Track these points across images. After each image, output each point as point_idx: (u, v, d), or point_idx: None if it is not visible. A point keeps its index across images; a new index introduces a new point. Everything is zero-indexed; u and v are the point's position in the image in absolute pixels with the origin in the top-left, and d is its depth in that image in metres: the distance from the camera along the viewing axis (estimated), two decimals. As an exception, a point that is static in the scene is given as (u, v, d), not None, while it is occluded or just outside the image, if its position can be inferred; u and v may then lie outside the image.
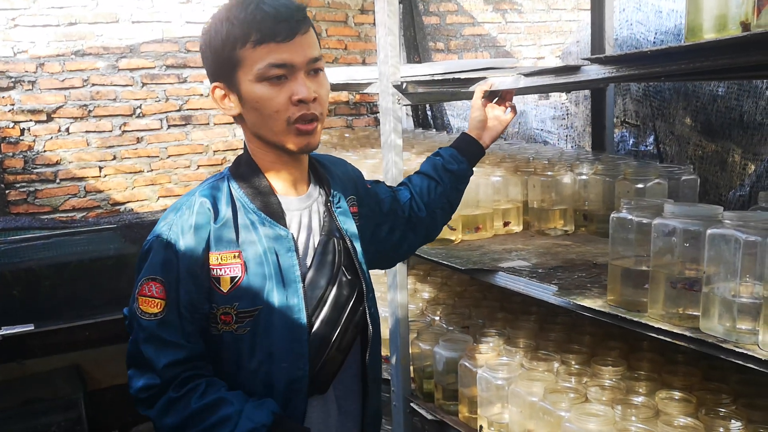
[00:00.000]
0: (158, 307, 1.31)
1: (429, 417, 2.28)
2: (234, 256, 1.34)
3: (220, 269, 1.33)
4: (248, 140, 1.43)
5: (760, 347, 1.20)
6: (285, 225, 1.39)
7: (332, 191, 1.49)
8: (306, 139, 1.35)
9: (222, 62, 1.33)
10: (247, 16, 1.28)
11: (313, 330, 1.38)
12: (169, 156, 4.10)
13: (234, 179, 1.41)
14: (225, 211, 1.36)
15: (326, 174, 1.52)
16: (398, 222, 1.73)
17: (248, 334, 1.34)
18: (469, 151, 1.84)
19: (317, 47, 1.36)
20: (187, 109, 4.10)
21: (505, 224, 2.44)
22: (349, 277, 1.44)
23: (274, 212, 1.39)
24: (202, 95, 4.10)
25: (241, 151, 1.47)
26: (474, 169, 1.87)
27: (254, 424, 1.27)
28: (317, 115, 1.35)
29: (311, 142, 1.37)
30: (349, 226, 1.50)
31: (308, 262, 1.42)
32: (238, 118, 1.40)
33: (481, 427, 2.01)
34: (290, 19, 1.29)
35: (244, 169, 1.42)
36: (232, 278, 1.33)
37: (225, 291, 1.33)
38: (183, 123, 4.10)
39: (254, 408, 1.30)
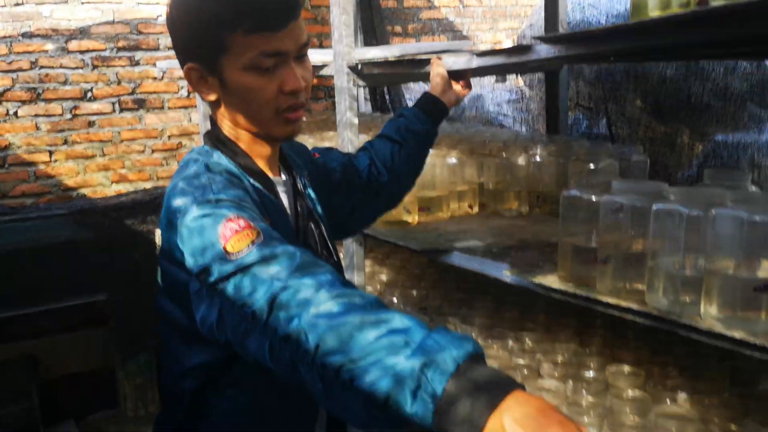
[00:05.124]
0: (252, 234, 1.05)
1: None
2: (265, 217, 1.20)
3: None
4: (223, 123, 1.32)
5: (702, 318, 1.24)
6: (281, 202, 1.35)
7: (298, 174, 1.44)
8: (292, 127, 1.30)
9: (203, 44, 1.20)
10: None
11: None
12: (123, 140, 4.01)
13: (222, 153, 1.29)
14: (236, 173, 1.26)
15: (287, 156, 1.46)
16: (354, 188, 1.66)
17: None
18: (432, 110, 1.78)
19: (305, 30, 1.25)
20: (141, 93, 4.01)
21: (467, 206, 2.46)
22: (330, 260, 1.41)
23: (270, 189, 1.32)
24: (155, 78, 4.00)
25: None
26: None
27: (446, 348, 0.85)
28: (304, 102, 1.29)
29: (296, 129, 1.31)
30: (319, 208, 1.46)
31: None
32: (214, 103, 1.30)
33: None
34: (285, 5, 1.18)
35: (226, 149, 1.31)
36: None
37: None
38: (136, 107, 4.01)
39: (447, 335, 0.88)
